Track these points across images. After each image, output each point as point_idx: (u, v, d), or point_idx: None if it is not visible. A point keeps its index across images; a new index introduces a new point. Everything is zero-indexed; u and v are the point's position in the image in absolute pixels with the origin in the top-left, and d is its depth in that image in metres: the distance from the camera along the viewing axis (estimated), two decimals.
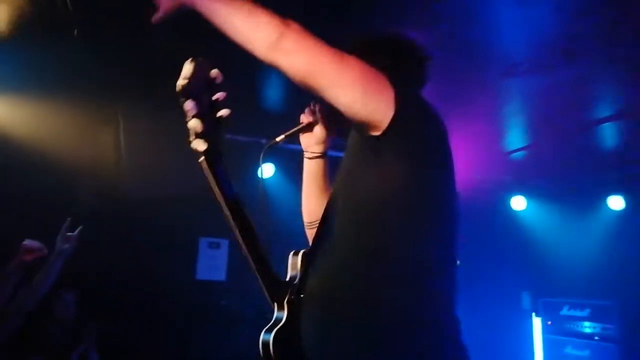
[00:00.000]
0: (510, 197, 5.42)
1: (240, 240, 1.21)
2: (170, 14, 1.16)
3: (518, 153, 4.55)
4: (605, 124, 3.74)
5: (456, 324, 1.16)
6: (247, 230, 1.22)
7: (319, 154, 1.54)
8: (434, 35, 2.72)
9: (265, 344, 1.18)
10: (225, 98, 1.16)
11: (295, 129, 1.53)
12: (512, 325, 5.14)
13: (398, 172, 1.14)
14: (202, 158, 1.15)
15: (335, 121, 1.50)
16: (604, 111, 3.63)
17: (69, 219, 2.33)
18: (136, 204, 3.99)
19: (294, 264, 1.34)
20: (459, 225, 1.23)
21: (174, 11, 1.16)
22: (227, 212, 1.20)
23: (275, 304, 1.25)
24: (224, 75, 1.18)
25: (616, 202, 4.99)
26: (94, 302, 3.58)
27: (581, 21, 2.51)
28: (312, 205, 1.55)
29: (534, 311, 5.18)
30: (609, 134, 4.04)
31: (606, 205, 5.04)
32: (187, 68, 1.10)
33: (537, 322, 5.12)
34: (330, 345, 1.14)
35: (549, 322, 5.05)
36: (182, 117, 1.12)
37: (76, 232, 2.36)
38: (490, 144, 4.45)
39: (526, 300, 5.35)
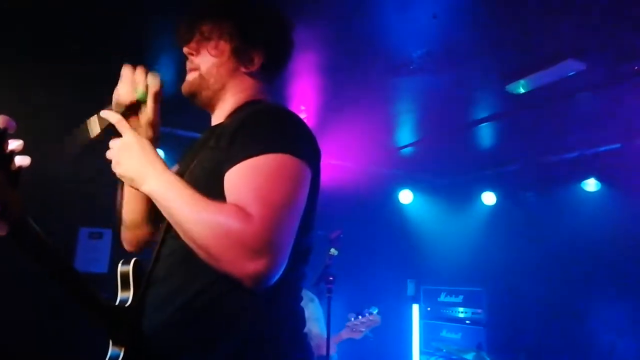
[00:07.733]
0: (399, 190, 5.73)
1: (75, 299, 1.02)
2: None
3: (407, 149, 4.81)
4: (482, 125, 4.10)
5: (301, 321, 1.19)
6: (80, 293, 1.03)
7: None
8: (326, 31, 2.75)
9: None
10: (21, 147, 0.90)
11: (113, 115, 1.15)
12: (397, 311, 5.45)
13: None
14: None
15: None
16: (481, 113, 3.97)
17: None
18: None
19: (124, 277, 1.18)
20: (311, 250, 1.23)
21: None
22: (61, 284, 1.00)
23: (111, 339, 1.07)
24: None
25: (489, 198, 5.49)
26: None
27: (456, 30, 2.71)
28: (134, 204, 1.28)
29: (417, 298, 5.55)
30: (484, 134, 4.43)
31: (481, 200, 5.52)
32: None
33: (415, 309, 5.49)
34: None
35: (428, 308, 5.44)
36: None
37: None
38: (382, 140, 4.65)
39: (411, 287, 5.70)
